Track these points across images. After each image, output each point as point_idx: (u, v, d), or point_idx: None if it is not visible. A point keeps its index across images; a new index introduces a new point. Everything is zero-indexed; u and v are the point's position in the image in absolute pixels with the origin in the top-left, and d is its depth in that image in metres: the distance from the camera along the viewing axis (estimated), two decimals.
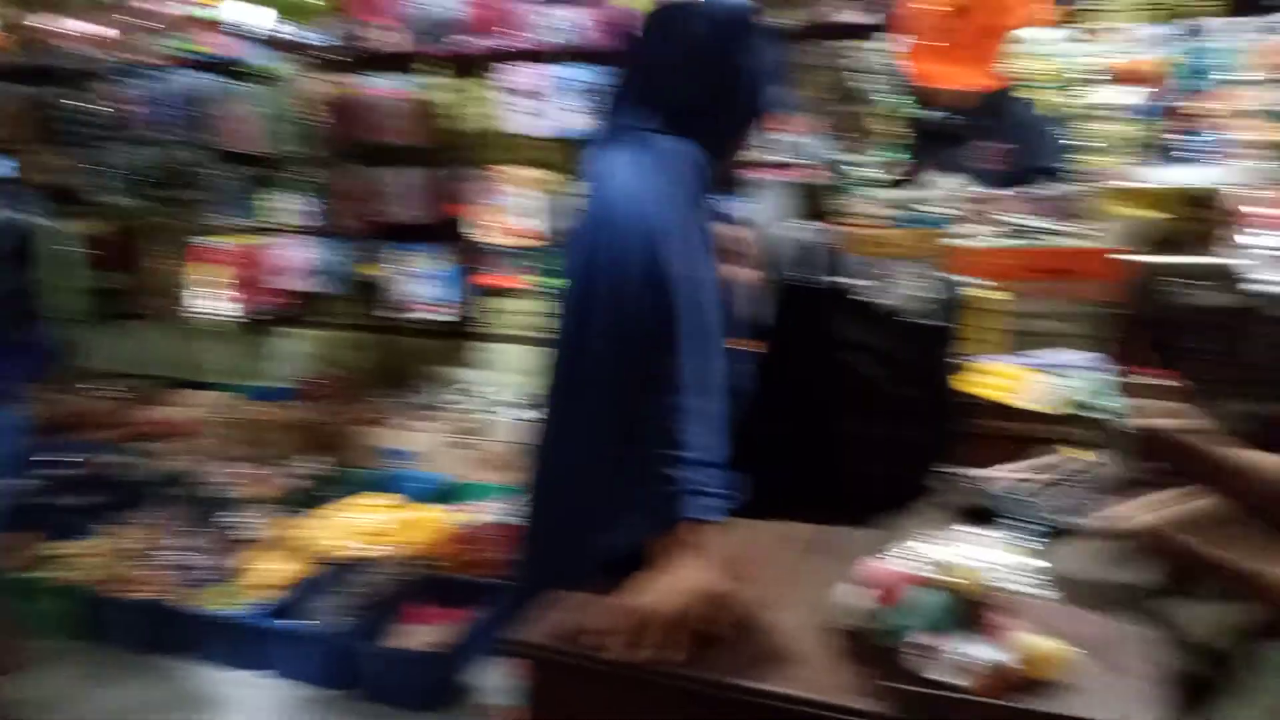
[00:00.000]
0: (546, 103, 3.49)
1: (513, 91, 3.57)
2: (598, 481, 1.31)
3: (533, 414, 1.48)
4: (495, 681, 1.52)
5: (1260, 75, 3.14)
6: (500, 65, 3.55)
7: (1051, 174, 2.69)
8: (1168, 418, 1.45)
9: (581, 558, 1.30)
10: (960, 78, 2.55)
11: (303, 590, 2.73)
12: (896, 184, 3.12)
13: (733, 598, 1.17)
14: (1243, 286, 2.09)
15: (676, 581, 1.16)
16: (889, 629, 1.09)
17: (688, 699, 1.08)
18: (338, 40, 3.70)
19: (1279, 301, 1.90)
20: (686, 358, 1.26)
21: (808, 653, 1.11)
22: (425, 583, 2.73)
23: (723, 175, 1.50)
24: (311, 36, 3.73)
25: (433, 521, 2.97)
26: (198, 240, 3.98)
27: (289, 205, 3.86)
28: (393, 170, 3.72)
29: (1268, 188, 2.49)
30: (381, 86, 3.69)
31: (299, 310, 3.96)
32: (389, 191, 3.72)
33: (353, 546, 2.85)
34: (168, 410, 3.93)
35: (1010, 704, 0.94)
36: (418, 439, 3.53)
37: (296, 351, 4.12)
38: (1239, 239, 2.13)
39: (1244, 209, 2.16)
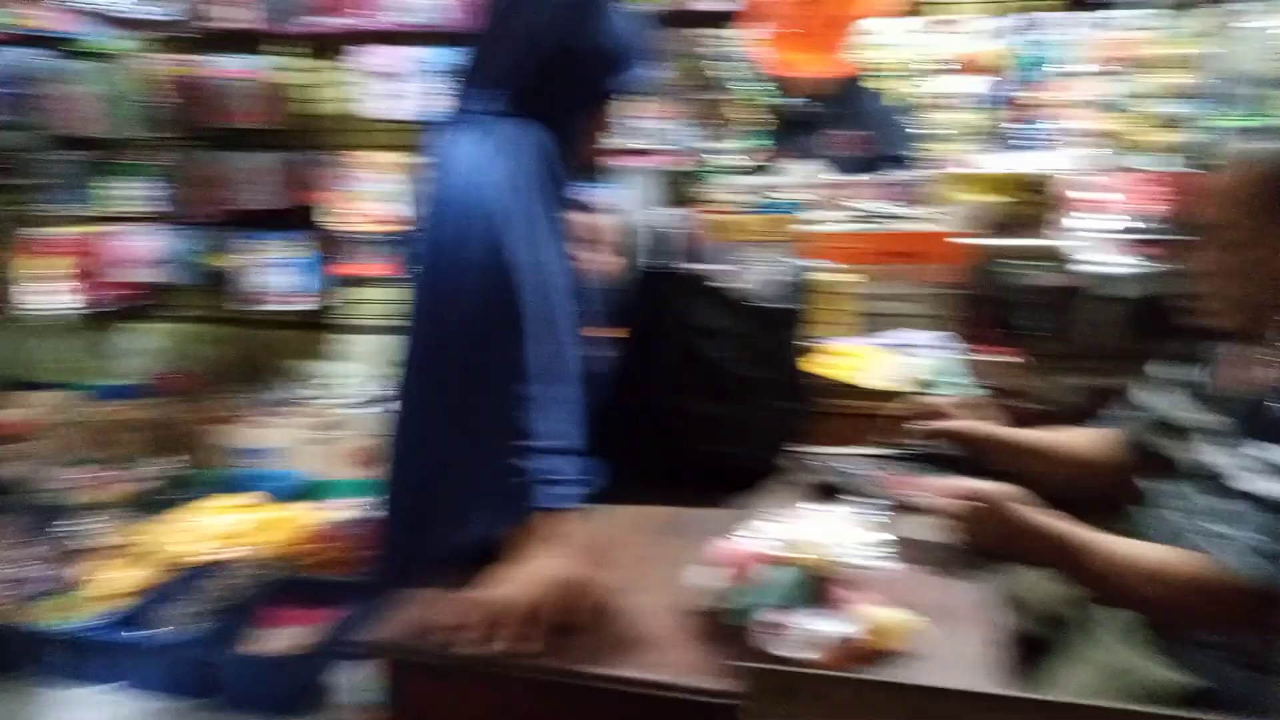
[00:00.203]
0: (405, 85, 3.41)
1: (370, 74, 3.47)
2: (450, 474, 1.29)
3: (387, 406, 1.44)
4: (356, 682, 1.48)
5: (1091, 68, 3.34)
6: (356, 46, 3.45)
7: (899, 161, 2.79)
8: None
9: (436, 552, 1.27)
10: (810, 66, 2.61)
11: (153, 598, 2.59)
12: (755, 171, 3.19)
13: (588, 585, 1.16)
14: (1072, 267, 2.22)
15: (530, 572, 1.15)
16: (740, 608, 1.11)
17: (545, 690, 1.07)
18: (181, 16, 3.51)
19: (1105, 281, 2.03)
20: (534, 345, 1.24)
21: (663, 636, 1.12)
22: (285, 584, 2.63)
23: (576, 159, 1.49)
24: (153, 11, 3.52)
25: (292, 520, 2.87)
26: (31, 231, 3.71)
27: (132, 192, 3.64)
28: (243, 155, 3.56)
29: (1096, 174, 2.66)
30: (230, 66, 3.53)
31: (145, 303, 3.75)
32: (240, 177, 3.56)
33: (206, 550, 2.72)
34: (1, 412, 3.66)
35: (854, 675, 0.97)
36: (276, 435, 3.40)
37: (144, 346, 3.90)
38: (1069, 222, 2.26)
39: (1074, 194, 2.29)
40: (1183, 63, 3.28)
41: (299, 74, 3.53)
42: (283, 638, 2.47)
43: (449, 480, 1.29)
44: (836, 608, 1.07)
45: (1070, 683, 1.38)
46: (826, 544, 1.08)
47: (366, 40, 3.42)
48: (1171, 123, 3.30)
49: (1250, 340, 1.37)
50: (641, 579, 1.24)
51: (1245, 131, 1.41)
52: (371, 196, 3.51)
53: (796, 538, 1.09)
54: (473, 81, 1.40)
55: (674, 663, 1.06)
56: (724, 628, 1.11)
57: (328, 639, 2.42)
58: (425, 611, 1.16)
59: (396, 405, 1.42)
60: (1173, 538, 1.38)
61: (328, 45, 3.48)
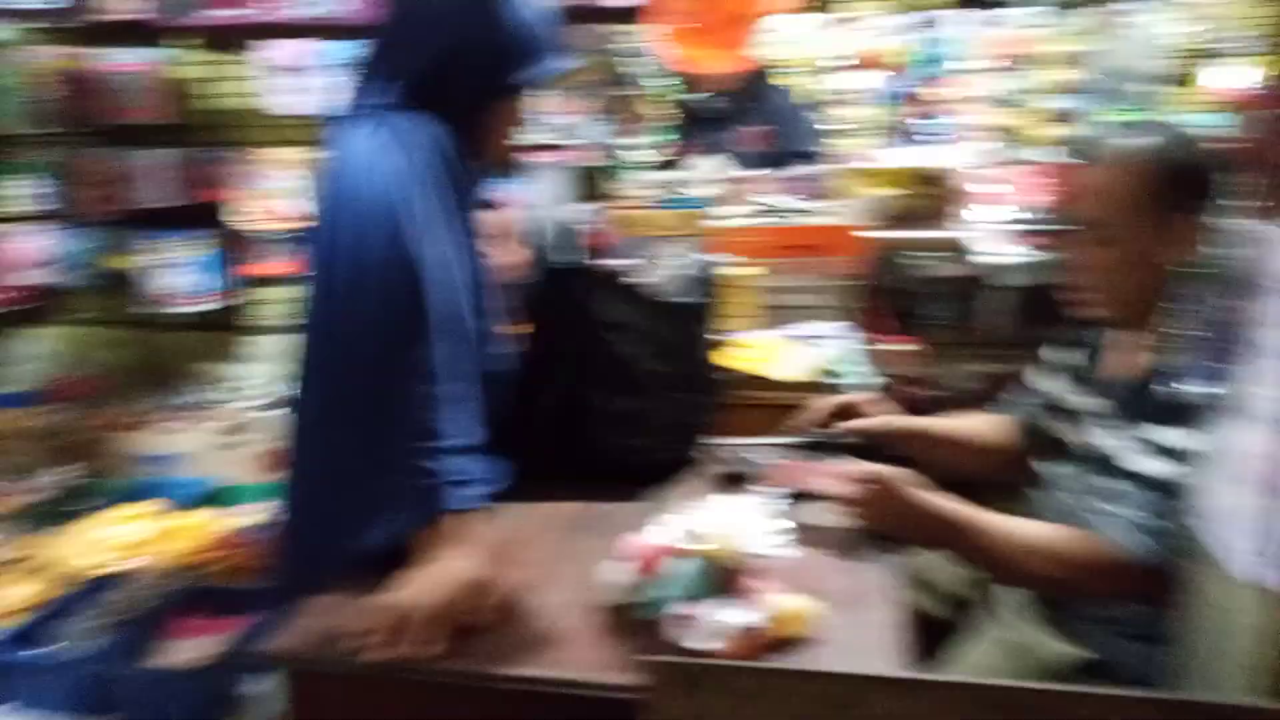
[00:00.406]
0: (309, 79, 3.33)
1: (272, 68, 3.38)
2: (354, 477, 1.27)
3: (287, 409, 1.41)
4: (264, 694, 1.44)
5: (985, 64, 3.45)
6: (257, 40, 3.36)
7: (805, 156, 2.84)
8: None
9: (342, 557, 1.25)
10: (713, 62, 2.63)
11: (50, 613, 2.48)
12: (663, 166, 3.20)
13: (494, 585, 1.16)
14: (970, 258, 2.29)
15: (436, 574, 1.14)
16: (650, 602, 1.12)
17: (452, 693, 1.06)
18: (68, 6, 3.37)
19: (999, 271, 2.10)
20: (438, 343, 1.23)
21: (573, 633, 1.12)
22: (190, 593, 2.55)
23: (483, 154, 1.47)
24: (38, 1, 3.37)
25: (196, 528, 2.78)
26: None
27: (20, 190, 3.49)
28: (141, 151, 3.43)
29: (991, 167, 2.75)
30: (124, 60, 3.40)
31: (38, 306, 3.59)
32: (137, 175, 3.44)
33: (107, 561, 2.62)
34: None
35: (754, 664, 0.98)
36: (183, 441, 3.30)
37: (38, 352, 3.74)
38: (967, 214, 2.33)
39: (971, 187, 2.36)
40: (1070, 59, 3.41)
41: (197, 68, 3.41)
42: (188, 650, 2.39)
43: (353, 483, 1.27)
44: (742, 597, 1.08)
45: (971, 661, 1.43)
46: (730, 534, 1.09)
47: (267, 34, 3.33)
48: (1060, 117, 3.43)
49: (1132, 328, 1.43)
50: (552, 576, 1.24)
51: (1126, 126, 1.45)
52: (277, 193, 3.43)
53: (700, 529, 1.10)
54: (371, 75, 1.38)
55: (583, 660, 1.07)
56: (636, 623, 1.12)
57: (235, 649, 2.36)
58: (329, 618, 1.14)
59: (297, 407, 1.39)
60: (1065, 517, 1.44)
61: (228, 39, 3.38)
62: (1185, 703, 0.83)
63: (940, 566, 1.65)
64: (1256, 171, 0.96)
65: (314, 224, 1.34)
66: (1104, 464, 1.38)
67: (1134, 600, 1.35)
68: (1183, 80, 3.51)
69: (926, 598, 1.65)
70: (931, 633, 1.62)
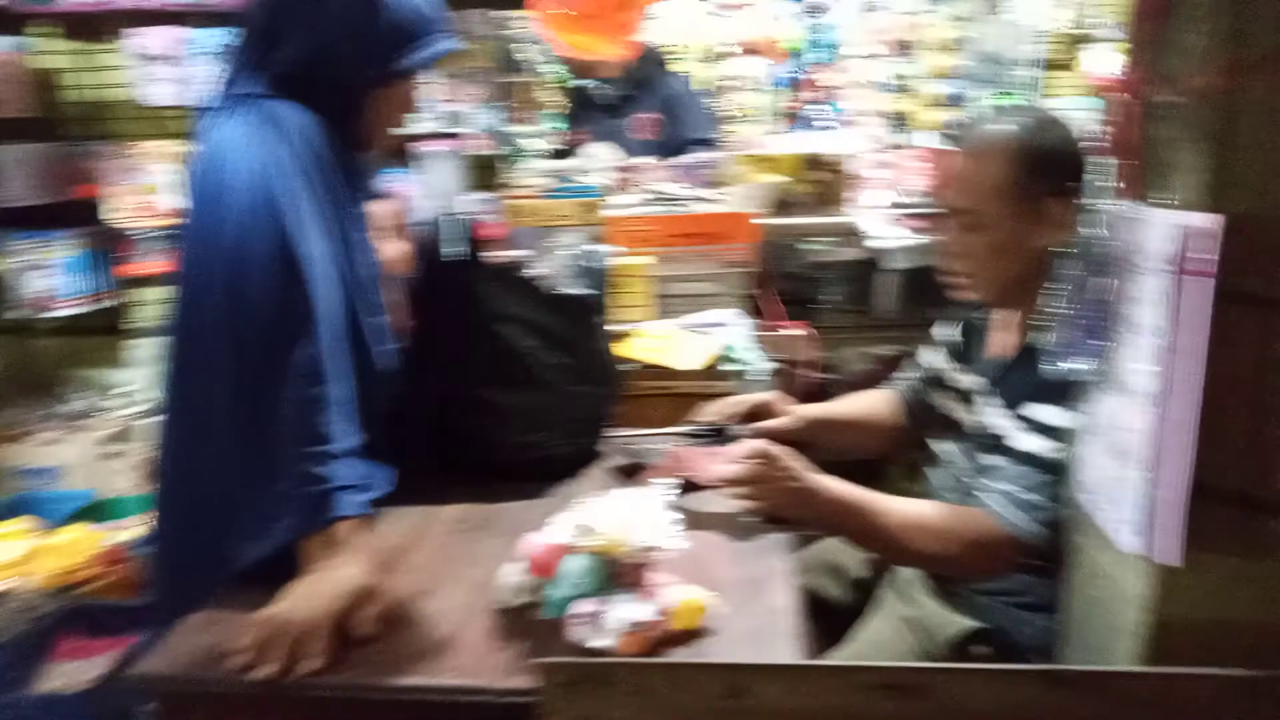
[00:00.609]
0: (185, 68, 3.19)
1: (145, 56, 3.22)
2: (233, 485, 1.21)
3: (158, 414, 1.34)
4: (145, 716, 1.37)
5: (873, 50, 3.51)
6: (128, 28, 3.19)
7: (700, 143, 2.84)
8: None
9: (221, 569, 1.20)
10: (600, 49, 2.60)
11: None
12: (556, 154, 3.17)
13: (382, 593, 1.12)
14: (862, 242, 2.33)
15: (320, 583, 1.09)
16: (550, 602, 1.09)
17: (339, 708, 1.02)
18: None
19: (890, 255, 2.13)
20: (324, 343, 1.18)
21: (469, 639, 1.08)
22: (69, 614, 2.42)
23: (365, 143, 1.42)
24: None
25: (75, 544, 2.64)
26: None
27: None
28: (3, 146, 3.23)
29: (879, 152, 2.80)
30: None
31: None
32: (2, 171, 3.24)
33: None
34: None
35: (644, 660, 0.97)
36: (62, 453, 3.13)
37: None
38: (857, 199, 2.37)
39: (860, 172, 2.40)
40: (951, 45, 3.50)
41: (62, 58, 3.23)
42: (70, 672, 2.27)
43: (235, 492, 1.21)
44: (636, 592, 1.07)
45: (871, 640, 1.45)
46: (622, 528, 1.07)
47: (134, 20, 3.17)
48: (944, 102, 3.52)
49: (1011, 308, 1.47)
50: (449, 580, 1.20)
51: (997, 111, 1.47)
52: (156, 189, 3.28)
53: (593, 524, 1.08)
54: (242, 63, 1.31)
55: (478, 666, 1.03)
56: (536, 624, 1.09)
57: (116, 671, 2.25)
58: (206, 636, 1.08)
59: (169, 414, 1.32)
60: (955, 495, 1.47)
61: (92, 26, 3.20)
62: (1067, 674, 0.85)
63: (840, 549, 1.67)
64: (1118, 155, 0.98)
65: (186, 220, 1.28)
66: (989, 441, 1.41)
67: (1017, 571, 1.38)
68: (1067, 65, 3.64)
69: (828, 581, 1.67)
70: (835, 615, 1.64)
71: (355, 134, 1.38)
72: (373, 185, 1.46)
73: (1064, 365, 1.07)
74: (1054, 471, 1.27)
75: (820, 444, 1.64)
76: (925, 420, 1.65)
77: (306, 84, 1.29)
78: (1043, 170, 1.35)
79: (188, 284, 1.28)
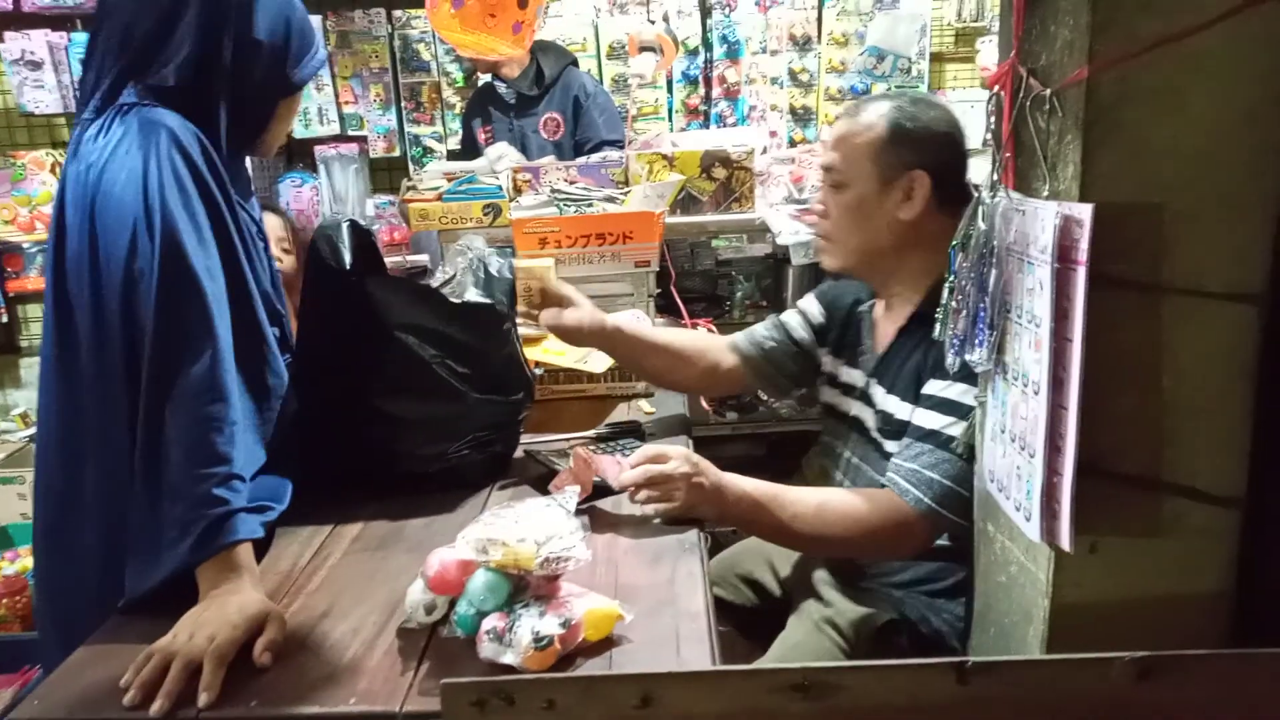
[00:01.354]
0: (65, 75, 3.06)
1: (24, 61, 3.07)
2: (127, 509, 1.15)
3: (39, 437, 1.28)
4: None
5: (774, 45, 3.55)
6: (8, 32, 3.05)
7: (610, 144, 2.83)
8: None
9: (113, 598, 1.14)
10: (491, 47, 2.57)
11: None
12: (459, 155, 3.13)
13: (282, 618, 1.08)
14: (768, 238, 2.34)
15: (217, 611, 1.05)
16: (459, 619, 1.06)
17: None
18: None
19: (798, 250, 2.15)
20: (214, 360, 1.14)
21: (375, 662, 1.05)
22: None
23: (247, 149, 1.39)
24: None
25: None
26: None
27: None
28: None
29: (782, 147, 2.83)
30: None
31: None
32: None
33: None
34: None
35: (546, 676, 0.95)
36: None
37: None
38: (763, 195, 2.38)
39: (765, 167, 2.41)
40: (848, 39, 3.57)
41: None
42: None
43: (128, 516, 1.15)
44: (546, 604, 1.05)
45: (788, 642, 1.46)
46: (527, 540, 1.05)
47: (12, 23, 3.03)
48: (840, 95, 3.59)
49: (870, 279, 1.52)
50: (357, 600, 1.17)
51: (884, 94, 1.52)
52: (42, 200, 3.14)
53: (497, 537, 1.06)
54: (120, 70, 1.25)
55: (386, 690, 1.00)
56: (446, 643, 1.06)
57: (3, 713, 2.14)
58: (97, 671, 1.03)
59: (52, 435, 1.26)
60: (853, 479, 1.49)
61: None
62: (973, 664, 0.86)
63: (750, 555, 1.68)
64: (999, 146, 1.00)
65: (62, 235, 1.22)
66: (887, 428, 1.43)
67: (932, 558, 1.41)
68: (970, 58, 3.74)
69: (741, 586, 1.67)
70: (750, 619, 1.65)
71: (247, 141, 1.36)
72: (252, 195, 1.42)
73: (952, 354, 1.09)
74: (953, 449, 1.29)
75: (622, 359, 1.66)
76: (768, 375, 1.67)
77: (193, 93, 1.25)
78: (908, 143, 1.41)
79: (69, 301, 1.22)
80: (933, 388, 1.35)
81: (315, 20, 3.46)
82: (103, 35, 1.27)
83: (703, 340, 1.72)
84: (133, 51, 1.26)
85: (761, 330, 1.69)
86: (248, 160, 1.46)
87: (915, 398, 1.38)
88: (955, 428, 1.30)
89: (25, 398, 3.30)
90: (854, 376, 1.56)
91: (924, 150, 1.40)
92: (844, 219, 1.46)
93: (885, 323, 1.51)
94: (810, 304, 1.68)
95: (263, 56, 1.30)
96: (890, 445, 1.42)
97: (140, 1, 1.26)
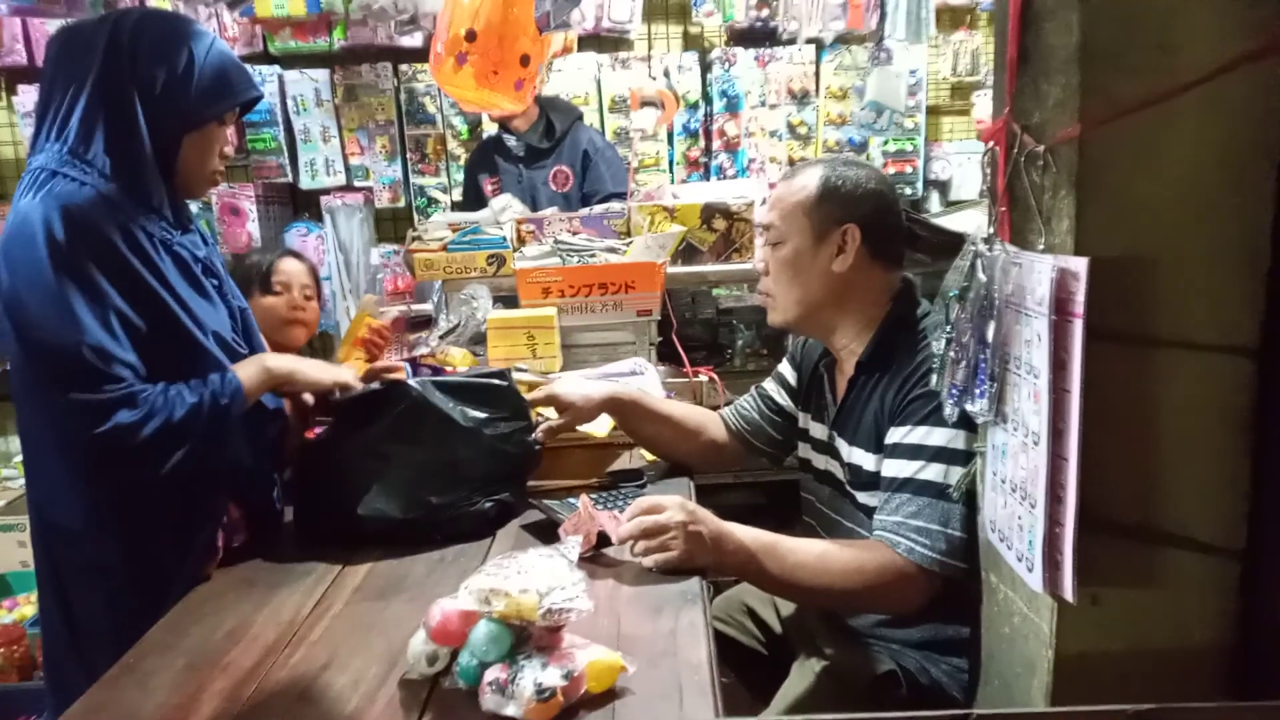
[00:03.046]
0: None
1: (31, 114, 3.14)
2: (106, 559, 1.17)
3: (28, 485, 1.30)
4: None
5: (771, 100, 3.61)
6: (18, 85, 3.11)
7: (615, 196, 2.86)
8: None
9: (111, 647, 1.14)
10: (494, 102, 2.61)
11: None
12: (464, 206, 3.16)
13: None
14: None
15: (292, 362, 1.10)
16: (462, 670, 1.06)
17: None
18: None
19: None
20: (154, 418, 1.21)
21: (376, 713, 1.04)
22: None
23: (180, 190, 1.40)
24: None
25: None
26: None
27: None
28: None
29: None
30: None
31: None
32: None
33: None
34: None
35: None
36: None
37: None
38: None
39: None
40: (844, 93, 3.63)
41: None
42: None
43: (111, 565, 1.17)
44: (548, 655, 1.04)
45: (789, 695, 1.44)
46: (529, 590, 1.05)
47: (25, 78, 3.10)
48: (838, 147, 3.64)
49: (813, 334, 1.58)
50: (359, 650, 1.16)
51: (886, 154, 1.56)
52: None
53: (499, 588, 1.05)
54: (46, 129, 1.29)
55: None
56: (449, 694, 1.05)
57: None
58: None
59: (38, 485, 1.28)
60: (832, 532, 1.50)
61: None
62: (978, 717, 0.86)
63: (754, 593, 1.67)
64: (994, 200, 1.02)
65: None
66: (861, 480, 1.44)
67: (934, 613, 1.39)
68: (966, 111, 3.81)
69: (747, 623, 1.66)
70: (753, 661, 1.64)
71: (169, 183, 1.37)
72: (195, 245, 1.42)
73: (957, 406, 1.09)
74: (935, 494, 1.30)
75: (623, 424, 1.69)
76: (758, 448, 1.71)
77: (108, 139, 1.28)
78: (838, 199, 1.47)
79: (16, 359, 1.29)
80: (895, 435, 1.37)
81: (320, 74, 3.56)
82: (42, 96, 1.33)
83: (701, 415, 1.76)
84: (51, 108, 1.30)
85: (744, 402, 1.75)
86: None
87: (878, 447, 1.40)
88: (927, 471, 1.31)
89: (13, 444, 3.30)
90: (820, 431, 1.59)
91: (854, 205, 1.46)
92: (783, 274, 1.51)
93: (839, 376, 1.55)
94: (784, 367, 1.72)
95: (155, 90, 1.31)
96: (863, 497, 1.43)
97: (49, 63, 1.33)
